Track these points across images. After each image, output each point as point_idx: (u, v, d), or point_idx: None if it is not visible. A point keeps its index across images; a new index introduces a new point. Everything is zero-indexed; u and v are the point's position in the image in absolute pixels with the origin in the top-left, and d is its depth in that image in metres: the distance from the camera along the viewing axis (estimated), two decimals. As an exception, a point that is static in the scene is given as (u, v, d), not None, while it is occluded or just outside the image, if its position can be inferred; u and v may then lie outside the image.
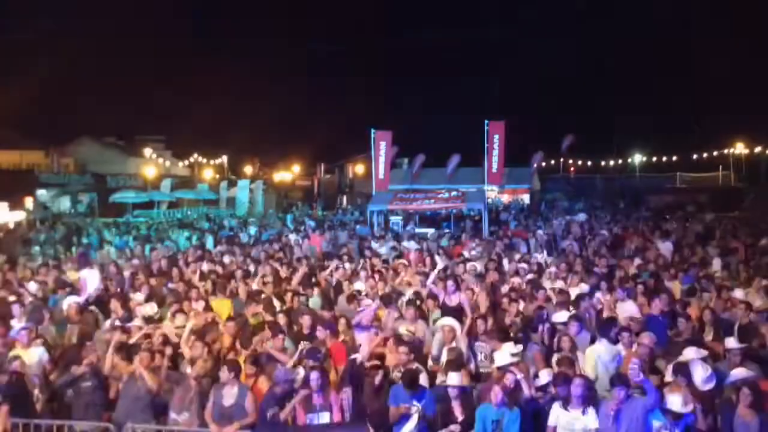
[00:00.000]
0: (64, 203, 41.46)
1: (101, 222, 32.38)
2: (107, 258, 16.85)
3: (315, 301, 11.35)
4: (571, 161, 66.37)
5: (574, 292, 11.15)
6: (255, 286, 12.16)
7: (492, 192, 36.36)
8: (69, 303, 10.64)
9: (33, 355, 8.51)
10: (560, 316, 9.51)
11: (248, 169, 70.07)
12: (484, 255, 15.95)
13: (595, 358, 8.22)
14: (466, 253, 16.24)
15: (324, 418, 6.97)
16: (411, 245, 18.22)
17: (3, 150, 48.73)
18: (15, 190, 35.37)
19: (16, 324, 9.41)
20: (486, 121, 32.97)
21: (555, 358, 8.27)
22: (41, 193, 40.16)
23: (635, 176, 60.44)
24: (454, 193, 27.10)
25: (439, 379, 8.16)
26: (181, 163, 73.49)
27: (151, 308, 10.51)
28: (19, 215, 32.04)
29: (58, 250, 20.11)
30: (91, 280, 12.43)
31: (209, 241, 21.81)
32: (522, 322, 9.75)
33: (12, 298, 11.02)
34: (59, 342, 9.58)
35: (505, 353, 7.93)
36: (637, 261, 14.72)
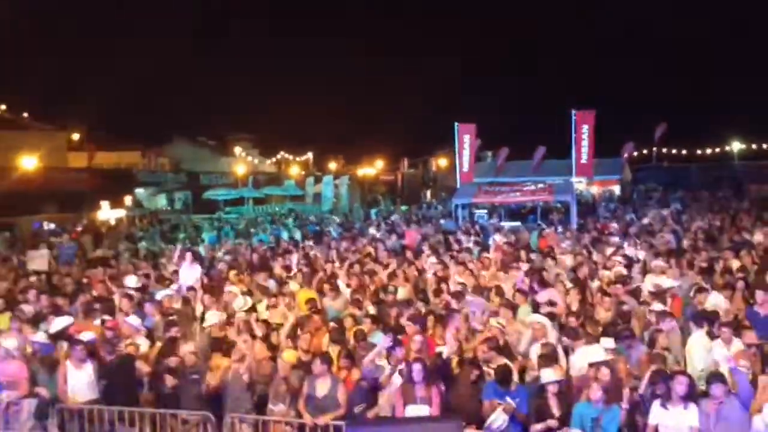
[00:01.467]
0: (161, 201, 43.31)
1: (195, 218, 33.68)
2: (201, 253, 17.44)
3: (404, 294, 11.37)
4: (664, 150, 63.83)
5: (666, 285, 10.74)
6: (341, 281, 12.27)
7: (580, 184, 35.39)
8: (167, 296, 11.13)
9: (139, 346, 8.95)
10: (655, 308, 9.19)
11: (333, 165, 71.13)
12: (574, 248, 15.57)
13: (700, 350, 7.91)
14: (555, 247, 15.88)
15: (423, 410, 6.98)
16: (497, 238, 18.01)
17: (103, 151, 51.36)
18: (115, 189, 37.28)
19: (126, 317, 9.87)
20: (573, 111, 32.09)
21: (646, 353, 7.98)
22: (139, 191, 42.10)
23: (734, 164, 57.43)
24: (540, 185, 26.56)
25: (530, 375, 8.06)
26: (268, 161, 75.40)
27: (244, 302, 10.81)
28: (120, 213, 33.76)
29: (157, 245, 21.00)
30: (187, 274, 12.97)
31: (297, 236, 22.27)
32: (615, 317, 9.45)
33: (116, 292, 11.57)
34: (159, 334, 10.00)
35: (599, 349, 7.72)
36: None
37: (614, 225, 20.70)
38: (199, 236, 23.74)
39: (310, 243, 18.87)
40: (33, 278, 13.42)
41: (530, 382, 7.89)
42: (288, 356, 8.01)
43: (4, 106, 70.83)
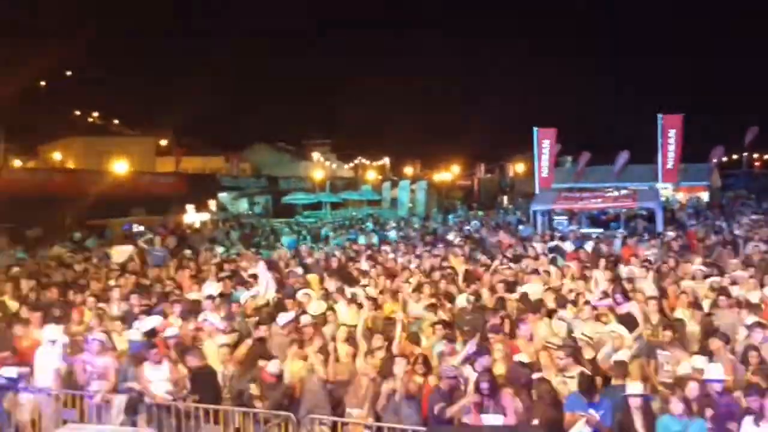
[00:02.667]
0: (242, 205, 44.44)
1: (274, 222, 34.42)
2: (281, 256, 17.76)
3: (483, 298, 11.25)
4: (756, 155, 60.86)
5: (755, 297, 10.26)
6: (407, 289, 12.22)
7: (666, 190, 34.18)
8: (247, 298, 11.42)
9: (220, 344, 9.20)
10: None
11: (409, 170, 71.33)
12: (659, 257, 15.03)
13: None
14: (640, 256, 15.36)
15: (497, 420, 6.90)
16: (569, 246, 17.62)
17: (189, 156, 53.28)
18: (200, 193, 38.59)
19: (208, 317, 10.18)
20: (659, 115, 31.02)
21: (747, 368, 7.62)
22: (222, 195, 43.36)
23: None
24: (624, 191, 25.82)
25: (612, 387, 7.83)
26: (345, 166, 76.32)
27: (320, 306, 10.93)
28: (204, 216, 34.88)
29: (239, 248, 21.53)
30: (266, 277, 13.24)
31: (375, 240, 22.40)
32: (703, 330, 9.08)
33: (199, 294, 11.94)
34: (242, 334, 10.22)
35: (687, 364, 7.46)
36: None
37: (702, 233, 19.87)
38: (277, 240, 24.23)
39: (388, 248, 18.91)
40: (124, 279, 13.98)
41: (612, 394, 7.65)
42: (368, 361, 8.06)
43: (96, 113, 74.57)
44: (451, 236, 22.16)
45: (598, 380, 7.48)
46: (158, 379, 8.39)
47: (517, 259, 15.17)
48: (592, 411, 6.75)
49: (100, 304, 11.01)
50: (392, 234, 24.50)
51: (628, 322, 9.24)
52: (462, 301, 11.06)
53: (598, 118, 78.39)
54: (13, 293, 12.39)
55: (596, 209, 26.18)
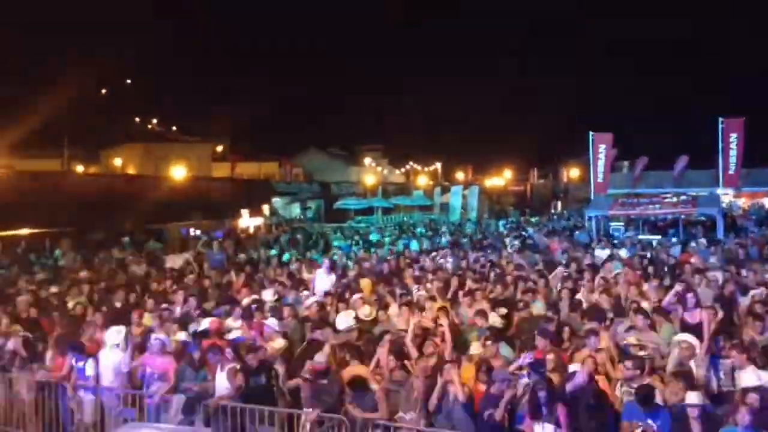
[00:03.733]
0: (295, 210, 45.03)
1: (326, 227, 34.75)
2: (335, 261, 17.90)
3: (538, 307, 11.12)
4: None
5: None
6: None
7: (726, 196, 33.17)
8: (307, 302, 11.54)
9: (277, 347, 9.33)
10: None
11: (461, 175, 71.03)
12: (721, 265, 14.58)
13: None
14: (699, 264, 14.92)
15: (548, 429, 6.81)
16: (624, 253, 17.25)
17: (244, 162, 54.27)
18: (254, 198, 39.29)
19: (266, 321, 10.35)
20: (720, 119, 30.14)
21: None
22: (276, 200, 44.00)
23: None
24: (683, 197, 25.18)
25: (675, 397, 7.62)
26: (397, 171, 76.48)
27: (370, 311, 10.97)
28: (258, 221, 35.47)
29: (293, 253, 21.81)
30: (322, 281, 13.39)
31: (426, 246, 22.39)
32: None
33: (255, 297, 12.13)
34: (296, 337, 10.35)
35: (752, 375, 7.21)
36: None
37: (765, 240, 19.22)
38: (328, 245, 24.46)
39: (440, 254, 18.87)
40: (183, 282, 14.33)
41: (673, 404, 7.45)
42: (419, 365, 8.06)
43: (155, 120, 76.66)
44: (505, 242, 21.98)
45: (657, 390, 7.28)
46: (221, 381, 8.55)
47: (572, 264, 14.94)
48: (650, 421, 6.60)
49: (163, 306, 11.27)
50: (444, 239, 24.43)
51: (695, 329, 8.98)
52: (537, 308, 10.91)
53: (656, 121, 76.43)
54: (77, 295, 12.85)
55: (654, 215, 25.61)
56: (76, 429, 9.14)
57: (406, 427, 7.61)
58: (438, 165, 78.77)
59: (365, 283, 13.71)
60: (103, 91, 71.88)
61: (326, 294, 12.06)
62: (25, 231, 23.11)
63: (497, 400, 7.29)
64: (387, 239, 25.64)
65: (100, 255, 20.10)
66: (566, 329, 9.32)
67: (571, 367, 8.02)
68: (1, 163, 32.79)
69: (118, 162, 52.80)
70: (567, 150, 58.45)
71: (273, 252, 21.16)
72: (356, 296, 11.77)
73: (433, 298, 11.67)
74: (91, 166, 51.67)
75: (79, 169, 45.88)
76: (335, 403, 8.06)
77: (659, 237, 22.72)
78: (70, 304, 12.04)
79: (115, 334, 9.45)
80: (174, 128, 75.02)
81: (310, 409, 7.87)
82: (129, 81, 78.34)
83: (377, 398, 7.87)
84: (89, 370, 9.04)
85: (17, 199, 25.66)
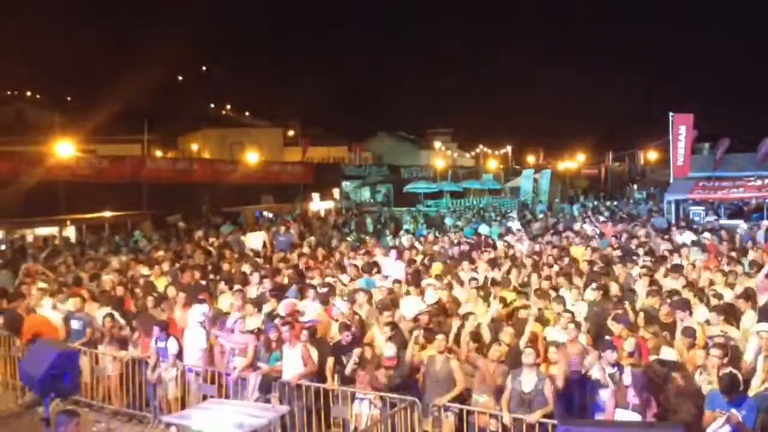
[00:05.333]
0: (365, 194, 45.27)
1: (396, 210, 34.82)
2: (404, 245, 17.93)
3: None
4: None
5: None
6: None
7: (816, 178, 31.42)
8: (379, 286, 11.62)
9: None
10: None
11: (531, 159, 69.82)
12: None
13: None
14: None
15: (634, 417, 6.66)
16: (707, 237, 16.64)
17: (314, 146, 54.89)
18: (325, 181, 39.74)
19: (337, 303, 10.50)
20: (810, 98, 28.50)
21: None
22: (346, 184, 44.35)
23: None
24: (767, 180, 24.03)
25: (759, 388, 7.34)
26: (467, 154, 75.85)
27: (435, 295, 10.92)
28: (329, 204, 35.88)
29: (363, 236, 21.97)
30: (392, 266, 13.44)
31: (497, 230, 22.14)
32: None
33: (330, 280, 12.29)
34: (370, 321, 10.41)
35: None
36: None
37: None
38: (399, 228, 24.50)
39: (511, 238, 18.66)
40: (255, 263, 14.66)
41: (759, 395, 7.17)
42: (494, 350, 8.00)
43: (228, 106, 78.44)
44: (576, 226, 21.49)
45: (742, 380, 7.01)
46: (292, 360, 8.75)
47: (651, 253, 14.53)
48: (734, 410, 6.37)
49: (238, 287, 11.54)
50: (515, 224, 24.10)
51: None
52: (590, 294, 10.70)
53: (738, 102, 73.06)
54: (158, 275, 13.35)
55: (737, 199, 24.56)
56: (159, 404, 9.52)
57: (478, 410, 7.60)
58: (509, 148, 77.61)
59: (437, 266, 13.73)
60: (180, 78, 73.98)
61: (396, 281, 12.06)
62: (107, 213, 24.08)
63: (574, 385, 7.20)
64: (460, 223, 25.48)
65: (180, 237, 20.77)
66: (641, 315, 9.09)
67: (663, 353, 7.82)
68: (84, 148, 34.20)
69: (194, 147, 54.33)
70: (645, 132, 56.55)
71: (349, 237, 21.36)
72: (426, 282, 11.78)
73: (505, 283, 11.58)
74: (169, 150, 53.34)
75: (158, 153, 47.43)
76: (406, 385, 8.12)
77: (742, 222, 21.74)
78: (157, 284, 12.50)
79: (198, 312, 9.79)
80: (247, 113, 76.59)
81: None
82: (204, 68, 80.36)
83: (455, 373, 7.87)
84: (172, 349, 9.39)
85: (99, 182, 26.79)
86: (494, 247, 16.18)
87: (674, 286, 10.79)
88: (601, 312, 9.66)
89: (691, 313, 9.15)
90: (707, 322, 8.91)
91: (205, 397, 8.76)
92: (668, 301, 9.72)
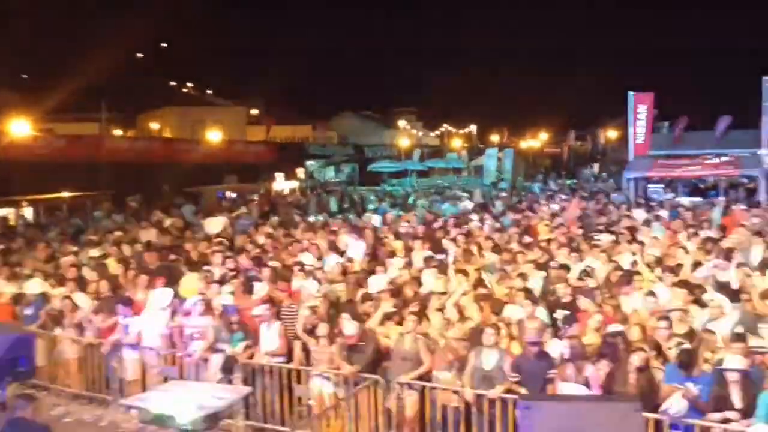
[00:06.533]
0: (329, 173, 45.05)
1: (361, 190, 34.76)
2: (369, 223, 17.90)
3: (576, 269, 11.01)
4: None
5: None
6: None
7: (769, 157, 32.23)
8: (334, 264, 11.61)
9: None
10: None
11: (496, 138, 70.20)
12: (763, 227, 14.25)
13: None
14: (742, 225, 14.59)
15: (579, 390, 6.78)
16: (664, 214, 17.01)
17: (278, 125, 54.37)
18: (289, 161, 39.44)
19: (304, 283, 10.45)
20: (764, 78, 29.12)
21: None
22: (310, 163, 44.08)
23: None
24: (724, 158, 24.56)
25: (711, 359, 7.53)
26: (431, 133, 75.91)
27: (404, 273, 10.96)
28: (293, 184, 35.64)
29: (326, 216, 21.86)
30: (354, 245, 13.40)
31: (460, 208, 22.25)
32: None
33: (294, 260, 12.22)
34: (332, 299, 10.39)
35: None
36: None
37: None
38: (364, 207, 24.46)
39: (474, 216, 18.76)
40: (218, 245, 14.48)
41: (711, 366, 7.36)
42: (457, 327, 8.07)
43: (190, 84, 77.04)
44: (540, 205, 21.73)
45: (699, 354, 7.19)
46: (269, 339, 8.72)
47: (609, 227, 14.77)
48: (690, 385, 6.53)
49: (205, 268, 11.44)
50: (468, 204, 24.18)
51: (728, 290, 8.87)
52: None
53: (697, 80, 74.32)
54: (117, 257, 13.11)
55: (695, 177, 25.09)
56: (119, 387, 9.41)
57: (441, 387, 7.67)
58: (473, 127, 77.82)
59: (399, 245, 13.75)
60: (140, 55, 72.31)
61: (349, 259, 12.09)
62: (65, 194, 23.55)
63: (533, 362, 7.30)
64: (422, 202, 25.53)
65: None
66: (601, 292, 9.26)
67: (610, 328, 7.98)
68: (41, 127, 33.34)
69: (154, 126, 53.33)
70: (606, 111, 57.20)
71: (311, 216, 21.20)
72: (394, 260, 11.80)
73: (467, 261, 11.65)
74: (129, 129, 52.27)
75: (117, 132, 46.46)
76: (370, 364, 8.15)
77: (700, 199, 22.23)
78: (112, 266, 12.28)
79: (162, 296, 9.66)
80: (209, 92, 75.37)
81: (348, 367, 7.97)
82: (165, 45, 78.66)
83: (423, 352, 7.93)
84: (134, 327, 9.28)
85: (56, 162, 26.15)
86: (458, 226, 16.25)
87: (633, 261, 11.01)
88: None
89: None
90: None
91: (166, 379, 8.68)
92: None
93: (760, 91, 29.25)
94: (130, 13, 59.08)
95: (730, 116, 33.09)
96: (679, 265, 10.48)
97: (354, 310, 8.92)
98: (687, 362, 6.74)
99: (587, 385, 6.90)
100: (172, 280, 10.74)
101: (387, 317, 8.74)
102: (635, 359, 6.95)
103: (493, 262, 11.64)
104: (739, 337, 7.14)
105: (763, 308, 8.29)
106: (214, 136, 39.75)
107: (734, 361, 6.56)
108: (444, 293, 9.56)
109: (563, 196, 24.99)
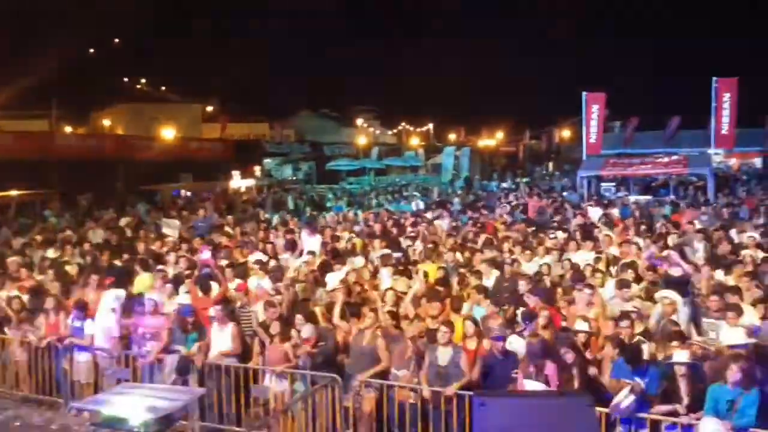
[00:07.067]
0: (286, 171, 44.77)
1: (319, 188, 34.66)
2: (326, 222, 17.87)
3: (530, 267, 11.17)
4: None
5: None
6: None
7: (718, 156, 33.23)
8: (291, 263, 11.55)
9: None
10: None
11: (453, 136, 70.67)
12: (712, 224, 14.68)
13: None
14: (696, 222, 15.00)
15: (539, 387, 6.89)
16: (615, 212, 17.41)
17: (234, 123, 53.68)
18: (246, 159, 39.00)
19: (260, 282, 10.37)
20: (714, 79, 29.98)
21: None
22: (267, 161, 43.72)
23: None
24: (674, 156, 25.26)
25: (660, 354, 7.73)
26: (389, 132, 76.03)
27: (365, 272, 10.96)
28: (250, 182, 35.30)
29: (283, 214, 21.72)
30: (309, 242, 13.35)
31: (418, 206, 22.38)
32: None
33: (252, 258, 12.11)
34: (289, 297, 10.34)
35: (740, 332, 7.31)
36: None
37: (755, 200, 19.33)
38: (322, 206, 24.40)
39: (431, 214, 18.88)
40: (170, 240, 14.28)
41: (661, 361, 7.56)
42: (413, 324, 8.11)
43: (144, 80, 75.60)
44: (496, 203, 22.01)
45: (645, 348, 7.37)
46: (222, 340, 8.62)
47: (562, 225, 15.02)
48: (637, 379, 6.69)
49: (160, 267, 11.25)
50: (420, 203, 24.34)
51: (680, 286, 9.09)
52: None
53: (648, 82, 76.03)
54: (68, 257, 12.80)
55: (645, 175, 25.71)
56: (71, 389, 9.20)
57: (399, 385, 7.70)
58: (430, 126, 78.17)
59: (358, 242, 13.76)
60: (92, 50, 70.65)
61: (310, 252, 12.05)
62: (14, 192, 22.88)
63: (497, 359, 7.39)
64: (378, 200, 25.60)
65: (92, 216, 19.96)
66: (557, 289, 9.40)
67: (564, 324, 8.12)
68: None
69: (106, 123, 52.16)
70: (560, 110, 58.14)
71: (268, 214, 21.04)
72: (356, 259, 11.79)
73: (427, 259, 11.73)
74: (80, 126, 51.03)
75: (68, 129, 45.29)
76: (329, 363, 8.13)
77: (650, 197, 22.78)
78: (68, 267, 12.01)
79: (112, 297, 9.47)
80: (163, 88, 74.08)
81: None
82: (118, 40, 77.01)
83: (380, 350, 7.94)
84: (88, 329, 9.08)
85: (4, 159, 25.35)
86: (415, 224, 16.34)
87: (586, 259, 11.21)
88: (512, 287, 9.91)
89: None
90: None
91: (119, 381, 8.52)
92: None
93: (709, 92, 30.13)
94: (82, 9, 57.71)
95: (680, 116, 34.07)
96: (633, 263, 10.70)
97: (308, 309, 8.89)
98: (632, 357, 6.91)
99: (547, 382, 6.99)
100: (125, 281, 10.55)
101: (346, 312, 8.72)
102: (586, 355, 7.10)
103: (452, 260, 11.71)
104: (680, 336, 7.32)
105: (712, 304, 8.49)
106: (168, 133, 39.08)
107: (682, 355, 6.74)
108: (405, 292, 9.57)
109: (519, 194, 25.35)
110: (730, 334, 7.44)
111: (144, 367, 8.81)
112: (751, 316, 8.04)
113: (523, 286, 9.41)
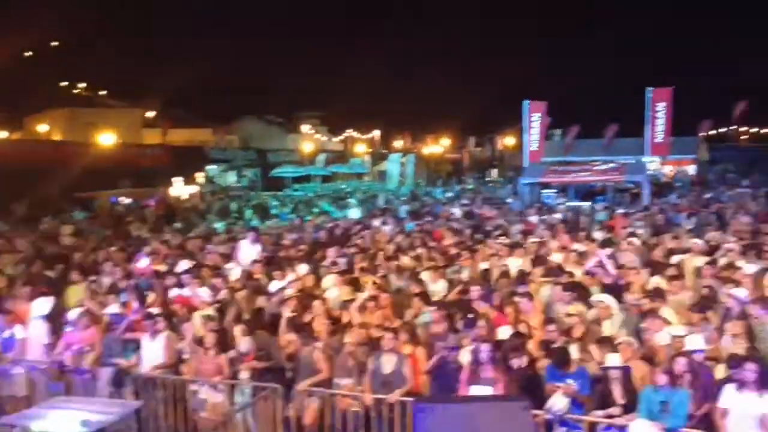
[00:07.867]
0: (231, 178, 44.18)
1: (263, 195, 34.29)
2: (271, 229, 17.72)
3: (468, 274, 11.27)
4: (743, 129, 61.02)
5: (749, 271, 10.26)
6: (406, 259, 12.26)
7: (653, 163, 34.34)
8: (234, 272, 11.37)
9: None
10: (739, 293, 8.83)
11: (399, 143, 71.05)
12: (646, 230, 15.13)
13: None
14: (630, 228, 15.41)
15: (487, 391, 6.95)
16: (557, 217, 17.81)
17: (176, 128, 52.76)
18: (188, 165, 38.29)
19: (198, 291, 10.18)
20: (649, 88, 31.01)
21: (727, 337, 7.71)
22: (211, 168, 43.04)
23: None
24: (611, 164, 25.97)
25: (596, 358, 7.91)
26: (335, 139, 75.90)
27: (310, 280, 10.90)
28: (192, 189, 34.66)
29: (227, 221, 21.45)
30: (248, 251, 13.13)
31: (360, 214, 22.37)
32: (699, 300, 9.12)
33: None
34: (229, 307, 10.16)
35: (666, 334, 7.58)
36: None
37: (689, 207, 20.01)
38: (266, 213, 24.16)
39: (377, 221, 18.91)
40: (111, 249, 13.91)
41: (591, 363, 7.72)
42: (355, 332, 8.09)
43: (82, 85, 73.65)
44: (444, 210, 22.16)
45: (574, 351, 7.51)
46: (155, 352, 8.42)
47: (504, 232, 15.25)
48: (570, 381, 6.85)
49: (92, 278, 10.93)
50: (356, 212, 24.36)
51: (615, 291, 9.34)
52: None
53: (587, 91, 78.16)
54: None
55: (584, 182, 26.33)
56: (4, 404, 8.84)
57: (341, 393, 7.66)
58: (376, 133, 78.44)
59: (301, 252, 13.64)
60: (27, 53, 68.45)
61: (254, 262, 11.89)
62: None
63: (449, 367, 7.43)
64: (320, 208, 25.51)
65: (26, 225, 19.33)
66: (497, 295, 9.53)
67: (500, 330, 8.21)
68: None
69: (42, 128, 50.54)
70: (503, 118, 59.12)
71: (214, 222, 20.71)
72: (300, 267, 11.67)
73: (366, 269, 11.67)
74: (14, 131, 49.37)
75: (1, 134, 43.77)
76: (273, 373, 8.04)
77: (588, 203, 23.34)
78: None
79: (42, 304, 9.16)
80: (102, 93, 72.30)
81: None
82: (55, 43, 74.88)
83: (317, 359, 7.88)
84: (19, 336, 8.75)
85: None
86: (360, 231, 16.31)
87: (524, 265, 11.40)
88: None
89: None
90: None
91: (52, 396, 8.24)
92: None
93: (644, 101, 31.16)
94: (18, 10, 55.90)
95: (617, 125, 35.08)
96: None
97: (248, 322, 8.77)
98: (561, 361, 7.07)
99: (493, 385, 7.07)
100: (57, 291, 10.22)
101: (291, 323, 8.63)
102: (523, 360, 7.23)
103: (396, 267, 11.72)
104: (608, 341, 7.51)
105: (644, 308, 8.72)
106: (106, 139, 38.12)
107: (614, 359, 6.93)
108: (351, 300, 9.54)
109: (464, 201, 25.61)
110: (659, 336, 7.67)
111: (77, 380, 8.54)
112: (676, 322, 8.27)
113: (474, 292, 9.49)
